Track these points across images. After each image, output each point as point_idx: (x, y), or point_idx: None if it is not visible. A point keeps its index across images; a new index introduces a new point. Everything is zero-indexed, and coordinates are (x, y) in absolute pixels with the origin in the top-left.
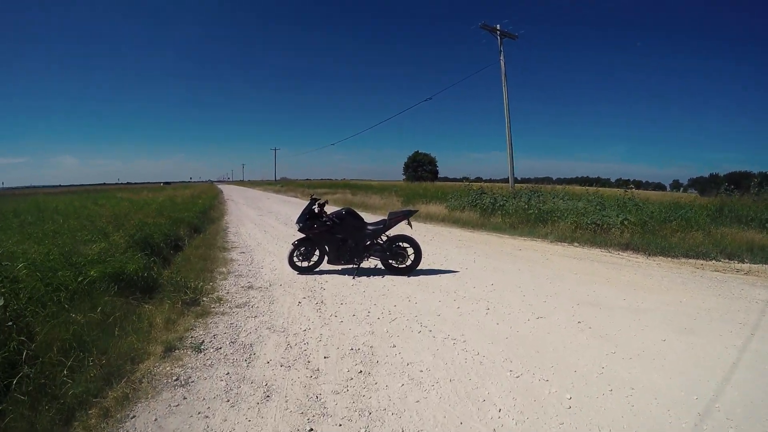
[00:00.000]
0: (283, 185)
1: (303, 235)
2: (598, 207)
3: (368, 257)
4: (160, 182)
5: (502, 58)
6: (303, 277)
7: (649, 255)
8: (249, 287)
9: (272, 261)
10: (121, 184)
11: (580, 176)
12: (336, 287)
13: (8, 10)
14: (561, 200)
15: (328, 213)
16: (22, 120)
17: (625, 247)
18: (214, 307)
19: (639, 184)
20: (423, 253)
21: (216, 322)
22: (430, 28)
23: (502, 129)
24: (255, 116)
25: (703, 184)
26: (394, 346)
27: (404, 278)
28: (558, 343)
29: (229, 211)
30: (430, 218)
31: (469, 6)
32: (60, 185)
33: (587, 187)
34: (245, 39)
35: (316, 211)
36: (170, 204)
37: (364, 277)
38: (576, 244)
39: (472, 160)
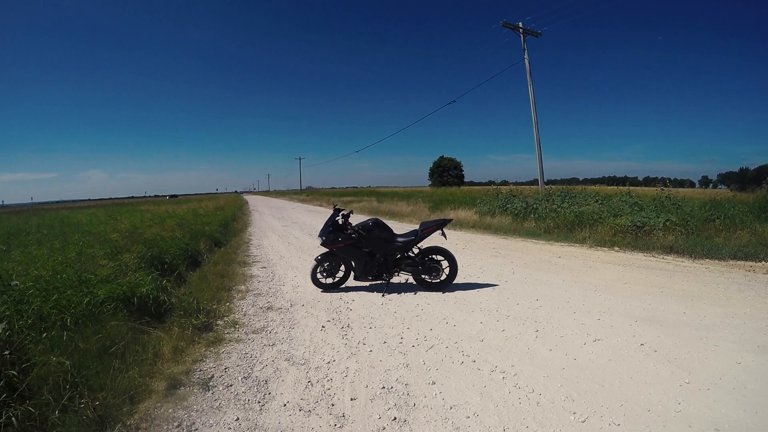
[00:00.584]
0: (308, 194)
1: (326, 250)
2: (636, 208)
3: (398, 272)
4: (173, 195)
5: (526, 56)
6: (327, 296)
7: (695, 258)
8: (268, 308)
9: (295, 277)
10: (149, 196)
11: (606, 176)
12: (364, 307)
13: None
14: (595, 202)
15: (354, 224)
16: (52, 136)
17: (669, 250)
18: (228, 333)
19: (667, 182)
20: (457, 264)
21: (229, 352)
22: (451, 28)
23: (525, 130)
24: (280, 125)
25: (734, 179)
26: (434, 383)
27: (439, 295)
28: (623, 372)
29: (253, 222)
30: (460, 225)
31: (488, 6)
32: (89, 199)
33: (620, 187)
34: (268, 47)
35: (340, 222)
36: (192, 216)
37: (395, 295)
38: (617, 248)
39: (496, 162)
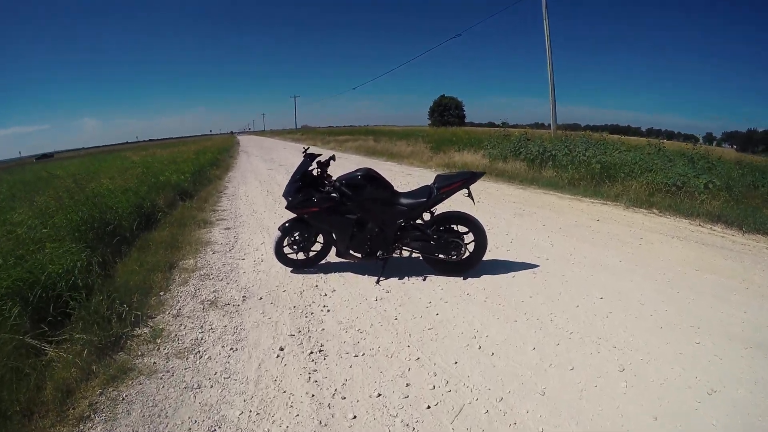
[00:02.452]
0: (303, 133)
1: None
2: (669, 164)
3: (401, 248)
4: (45, 154)
5: None
6: (298, 279)
7: (746, 232)
8: (212, 303)
9: (261, 244)
10: (141, 141)
11: (609, 124)
12: (348, 305)
13: None
14: (618, 152)
15: (335, 178)
16: (42, 87)
17: (716, 218)
18: (142, 356)
19: (670, 135)
20: (487, 238)
21: (130, 401)
22: None
23: (530, 73)
24: (275, 66)
25: (740, 139)
26: None
27: (459, 284)
28: None
29: (237, 166)
30: (467, 169)
31: None
32: (84, 148)
33: (648, 139)
34: None
35: (315, 174)
36: (165, 163)
37: (395, 281)
38: (655, 210)
39: (497, 104)
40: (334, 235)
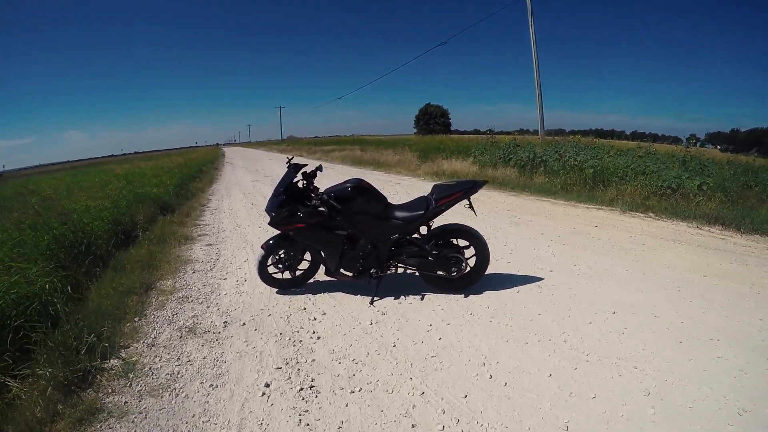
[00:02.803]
0: (289, 144)
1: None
2: (662, 166)
3: (396, 265)
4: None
5: None
6: (284, 301)
7: (743, 232)
8: (190, 331)
9: (245, 262)
10: (128, 154)
11: (593, 128)
12: (341, 330)
13: None
14: (608, 156)
15: (322, 191)
16: (25, 100)
17: (713, 220)
18: (112, 394)
19: (655, 138)
20: (489, 252)
21: None
22: None
23: (515, 79)
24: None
25: (723, 140)
26: None
27: (460, 302)
28: None
29: (221, 178)
30: (455, 177)
31: None
32: (68, 161)
33: (638, 142)
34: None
35: (301, 186)
36: (148, 176)
37: (390, 301)
38: (652, 214)
39: (482, 112)
40: (322, 252)
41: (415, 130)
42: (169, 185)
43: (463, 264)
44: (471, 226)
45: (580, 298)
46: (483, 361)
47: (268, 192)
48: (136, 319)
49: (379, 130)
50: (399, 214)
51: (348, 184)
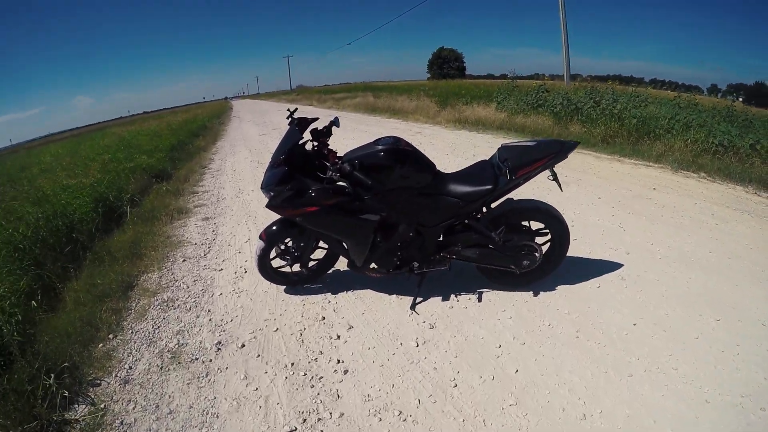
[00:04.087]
0: (298, 93)
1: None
2: (710, 120)
3: (446, 258)
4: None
5: None
6: (295, 307)
7: None
8: (174, 358)
9: (246, 242)
10: (136, 115)
11: (612, 74)
12: (377, 363)
13: None
14: (652, 106)
15: (342, 157)
16: (29, 72)
17: None
18: None
19: (675, 86)
20: (569, 237)
21: None
22: None
23: (531, 21)
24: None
25: (747, 92)
26: None
27: (531, 306)
28: None
29: (226, 133)
30: (482, 125)
31: None
32: (77, 127)
33: (678, 93)
34: None
35: (311, 150)
36: (150, 134)
37: (436, 304)
38: (704, 174)
39: (496, 56)
40: (344, 244)
41: (429, 75)
42: (166, 148)
43: (538, 254)
44: (546, 202)
45: (674, 296)
46: (582, 410)
47: (276, 147)
48: (110, 336)
49: (390, 77)
50: (455, 188)
51: (380, 146)
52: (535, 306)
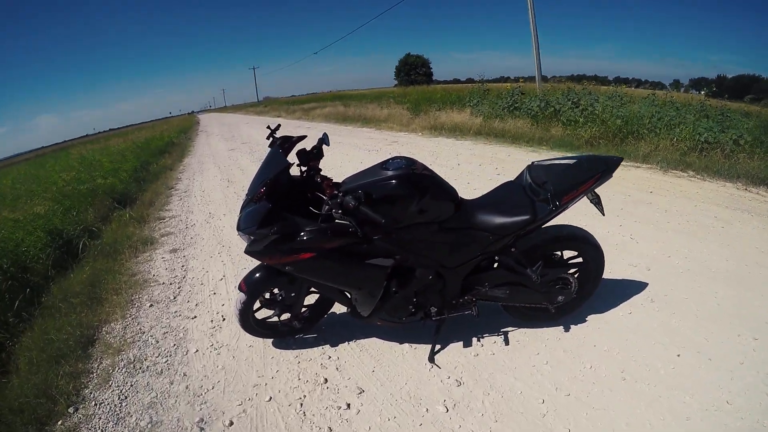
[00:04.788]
0: (266, 105)
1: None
2: (690, 117)
3: (471, 301)
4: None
5: None
6: (288, 365)
7: None
8: None
9: (221, 280)
10: (101, 132)
11: (575, 74)
12: (396, 429)
13: None
14: (632, 105)
15: (342, 187)
16: None
17: (759, 181)
18: None
19: (639, 83)
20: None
21: None
22: None
23: (494, 25)
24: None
25: (709, 86)
26: None
27: (563, 342)
28: None
29: (194, 149)
30: (459, 131)
31: None
32: (42, 147)
33: (654, 91)
34: None
35: (299, 177)
36: (109, 158)
37: (458, 351)
38: (692, 172)
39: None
40: (348, 293)
41: (396, 82)
42: (129, 169)
43: (572, 287)
44: (579, 226)
45: (707, 316)
46: None
47: (247, 164)
48: (71, 411)
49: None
50: (484, 219)
51: (390, 171)
52: (569, 345)
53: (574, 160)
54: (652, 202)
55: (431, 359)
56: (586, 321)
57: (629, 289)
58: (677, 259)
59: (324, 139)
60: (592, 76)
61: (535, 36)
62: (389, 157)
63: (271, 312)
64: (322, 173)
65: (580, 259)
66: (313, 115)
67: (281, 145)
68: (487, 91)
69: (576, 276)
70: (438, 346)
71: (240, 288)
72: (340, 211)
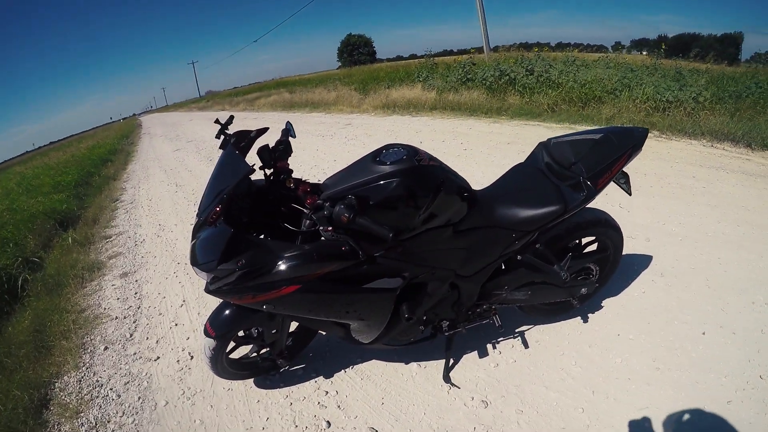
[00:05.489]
0: (209, 100)
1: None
2: (650, 78)
3: (494, 310)
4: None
5: None
6: (279, 407)
7: (754, 148)
8: None
9: (181, 307)
10: (42, 147)
11: (519, 42)
12: None
13: None
14: (590, 69)
15: (317, 185)
16: None
17: (723, 137)
18: None
19: (581, 47)
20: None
21: None
22: None
23: None
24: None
25: (650, 47)
26: None
27: (585, 336)
28: None
29: (138, 154)
30: (413, 107)
31: None
32: None
33: (605, 54)
34: None
35: (264, 184)
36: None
37: (474, 363)
38: (657, 132)
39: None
40: (345, 321)
41: (339, 64)
42: (70, 184)
43: (594, 277)
44: (601, 209)
45: (718, 285)
46: None
47: (194, 163)
48: None
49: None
50: (504, 214)
51: (388, 167)
52: (593, 338)
53: (600, 134)
54: (630, 167)
55: (446, 378)
56: (602, 308)
57: (635, 264)
58: (672, 225)
59: (289, 129)
60: (535, 43)
61: (481, 6)
62: (381, 145)
63: (253, 348)
64: (294, 176)
65: (596, 245)
66: (259, 104)
67: (236, 143)
68: (435, 65)
69: (596, 265)
70: (451, 361)
71: (206, 332)
72: (329, 228)
